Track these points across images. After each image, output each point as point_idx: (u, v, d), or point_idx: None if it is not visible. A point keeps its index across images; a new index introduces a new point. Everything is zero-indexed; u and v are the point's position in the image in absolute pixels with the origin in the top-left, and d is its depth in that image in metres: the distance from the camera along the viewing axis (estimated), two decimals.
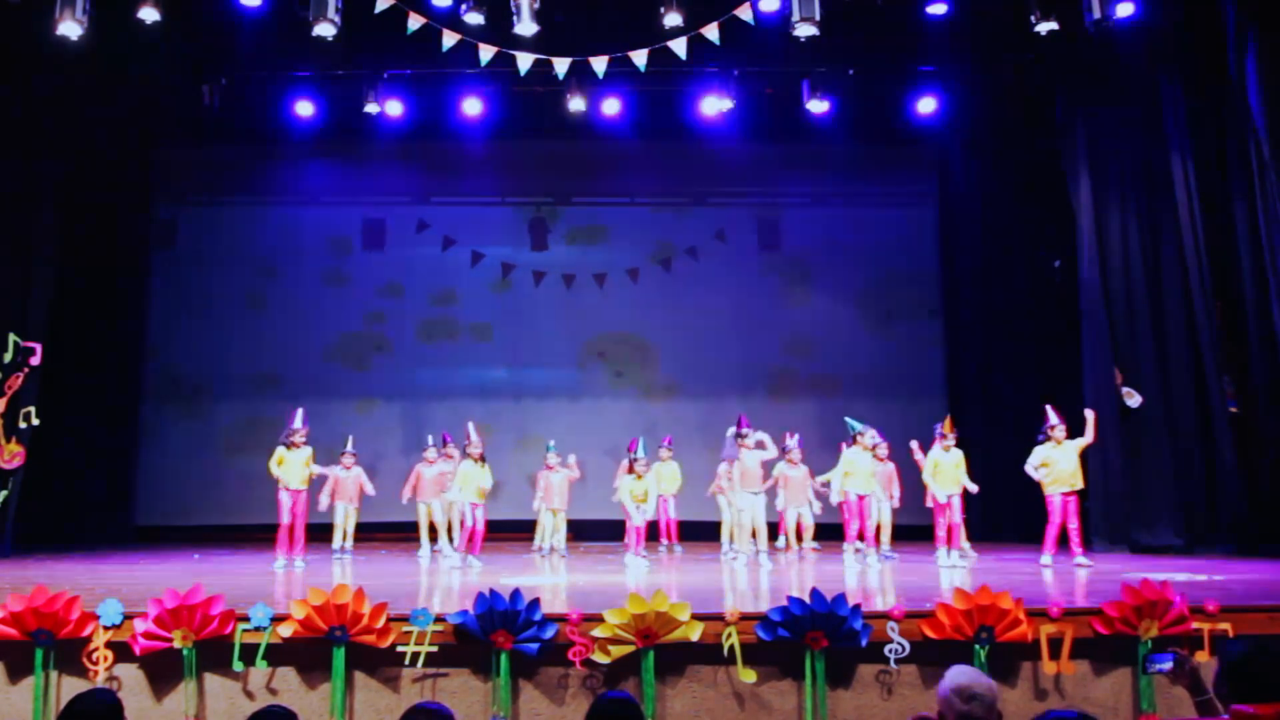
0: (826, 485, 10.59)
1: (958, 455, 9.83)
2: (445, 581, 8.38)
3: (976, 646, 5.70)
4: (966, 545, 9.98)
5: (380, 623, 5.68)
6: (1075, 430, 9.96)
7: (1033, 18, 9.53)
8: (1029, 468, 9.50)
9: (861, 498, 9.98)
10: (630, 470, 10.28)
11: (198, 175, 13.85)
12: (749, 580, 8.36)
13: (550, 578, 8.57)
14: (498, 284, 13.93)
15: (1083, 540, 9.35)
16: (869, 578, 8.41)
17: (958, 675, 3.43)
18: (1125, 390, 10.58)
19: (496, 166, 13.78)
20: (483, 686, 5.70)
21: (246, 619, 5.68)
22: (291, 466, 9.80)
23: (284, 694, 5.69)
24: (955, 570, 8.92)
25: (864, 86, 12.27)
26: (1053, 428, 9.47)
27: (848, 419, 10.44)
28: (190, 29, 10.34)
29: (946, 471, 9.78)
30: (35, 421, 10.04)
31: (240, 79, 11.92)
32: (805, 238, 14.06)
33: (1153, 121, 10.84)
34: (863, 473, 10.01)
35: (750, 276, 13.94)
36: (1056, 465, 9.37)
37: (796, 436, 10.83)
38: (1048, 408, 9.63)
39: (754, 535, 9.75)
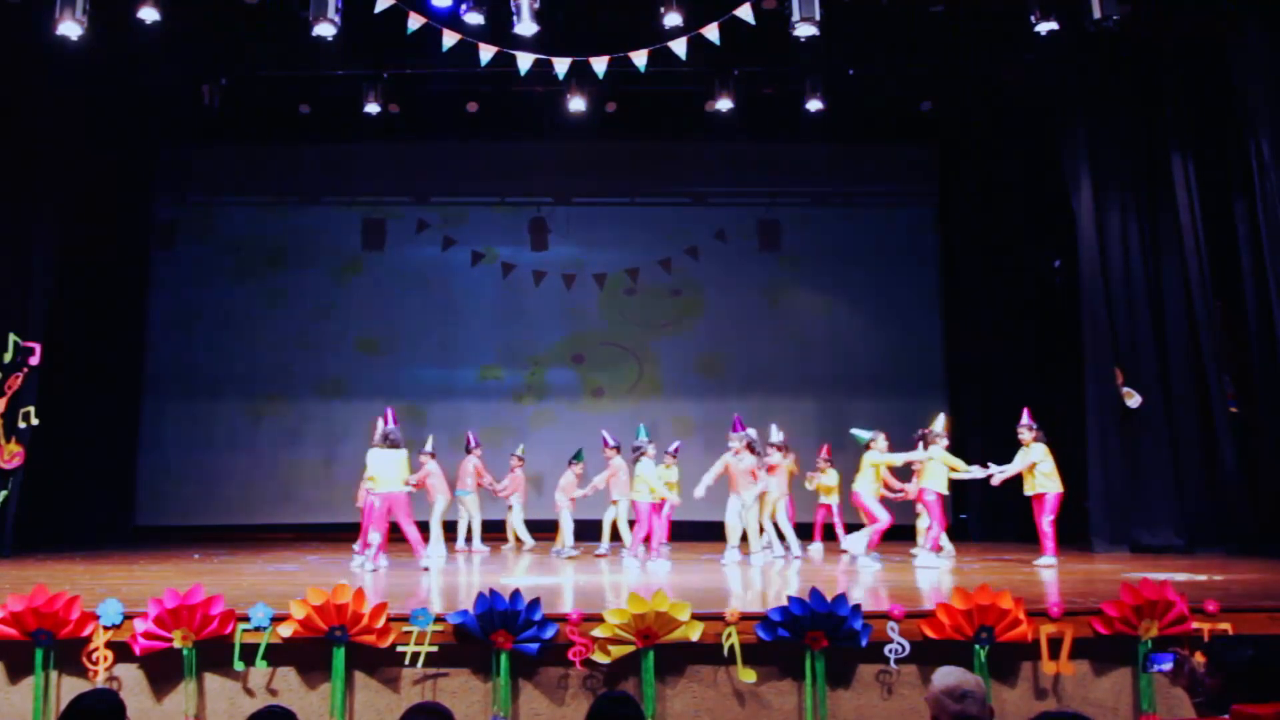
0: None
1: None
2: (445, 581, 8.38)
3: (976, 646, 5.70)
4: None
5: (380, 623, 5.69)
6: (1075, 432, 9.99)
7: (1033, 18, 9.52)
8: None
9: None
10: (640, 458, 9.99)
11: (198, 175, 13.87)
12: (749, 580, 8.36)
13: (550, 578, 8.57)
14: (498, 284, 13.94)
15: (1056, 542, 9.32)
16: (870, 577, 8.40)
17: (945, 676, 3.44)
18: (1125, 390, 10.58)
19: (496, 166, 13.80)
20: (483, 686, 5.70)
21: (246, 619, 5.68)
22: (389, 467, 9.30)
23: (284, 694, 5.69)
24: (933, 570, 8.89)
25: (864, 86, 12.27)
26: (1019, 429, 9.60)
27: (853, 431, 10.20)
28: (190, 29, 10.33)
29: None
30: (35, 421, 10.03)
31: (240, 79, 11.91)
32: (805, 238, 14.06)
33: (1153, 121, 10.84)
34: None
35: (750, 276, 13.94)
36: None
37: (781, 435, 10.83)
38: (1025, 410, 9.72)
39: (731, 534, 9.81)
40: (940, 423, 9.84)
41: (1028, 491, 9.58)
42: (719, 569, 9.29)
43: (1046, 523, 9.38)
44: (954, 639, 5.70)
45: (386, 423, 9.47)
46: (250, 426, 13.46)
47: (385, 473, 9.26)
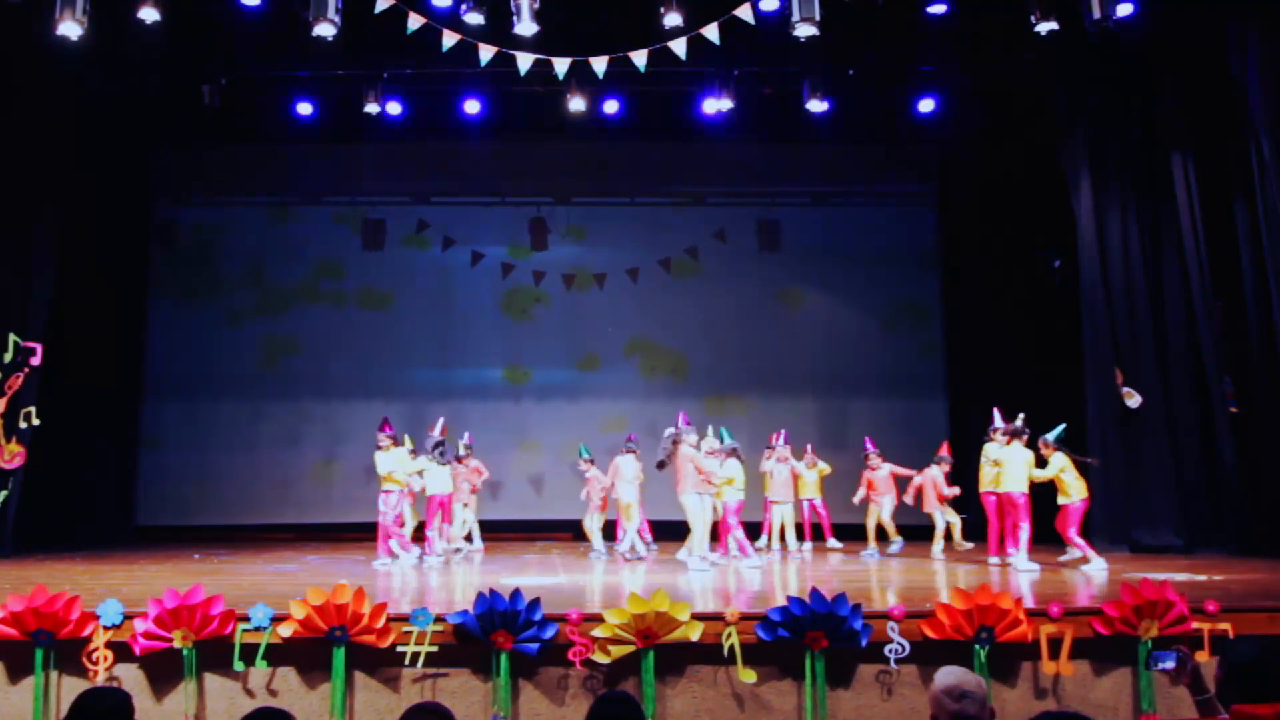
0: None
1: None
2: (445, 581, 8.38)
3: (976, 646, 5.70)
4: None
5: (380, 623, 5.69)
6: (1075, 432, 9.92)
7: (1033, 18, 9.52)
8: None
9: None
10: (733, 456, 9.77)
11: (198, 175, 13.86)
12: (749, 580, 8.36)
13: (550, 578, 8.57)
14: (497, 284, 13.93)
15: (1016, 541, 9.15)
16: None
17: (946, 675, 3.45)
18: (1125, 390, 10.58)
19: (496, 166, 13.78)
20: (483, 686, 5.70)
21: (246, 619, 5.69)
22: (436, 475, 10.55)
23: (284, 694, 5.69)
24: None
25: (864, 86, 12.26)
26: (994, 431, 9.67)
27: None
28: (190, 29, 10.33)
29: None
30: (35, 421, 10.04)
31: (240, 79, 11.91)
32: (805, 238, 14.05)
33: (1153, 121, 10.84)
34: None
35: (750, 276, 13.93)
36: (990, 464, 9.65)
37: (782, 434, 10.86)
38: (995, 411, 9.73)
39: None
40: (1056, 433, 9.30)
41: (999, 489, 9.48)
42: (719, 570, 9.30)
43: (1024, 528, 9.28)
44: (954, 639, 5.71)
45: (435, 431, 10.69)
46: (250, 426, 13.45)
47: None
